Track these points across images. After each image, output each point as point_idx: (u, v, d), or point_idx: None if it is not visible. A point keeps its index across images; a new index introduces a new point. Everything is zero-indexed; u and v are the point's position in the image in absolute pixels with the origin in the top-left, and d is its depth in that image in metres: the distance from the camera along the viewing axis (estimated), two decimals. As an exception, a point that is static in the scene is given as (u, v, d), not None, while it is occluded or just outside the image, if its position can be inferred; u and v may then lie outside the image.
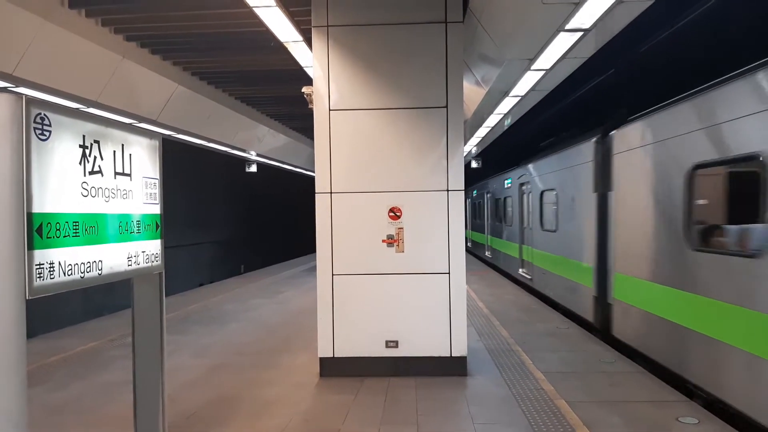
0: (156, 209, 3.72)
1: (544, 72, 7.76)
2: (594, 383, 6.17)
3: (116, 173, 3.27)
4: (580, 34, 6.07)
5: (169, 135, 12.72)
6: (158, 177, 3.74)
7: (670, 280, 6.40)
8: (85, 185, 2.99)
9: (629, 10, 5.52)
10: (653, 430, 4.88)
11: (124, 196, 3.35)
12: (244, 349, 7.96)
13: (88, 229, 3.00)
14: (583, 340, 8.24)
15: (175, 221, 19.78)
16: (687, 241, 5.97)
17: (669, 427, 4.91)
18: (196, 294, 14.10)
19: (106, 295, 15.66)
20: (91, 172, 3.04)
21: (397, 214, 6.47)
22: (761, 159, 4.73)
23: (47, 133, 2.74)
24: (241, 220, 28.65)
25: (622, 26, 6.12)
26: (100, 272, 3.10)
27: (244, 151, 16.93)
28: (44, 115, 2.72)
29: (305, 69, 8.49)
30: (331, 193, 6.51)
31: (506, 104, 10.25)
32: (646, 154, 7.11)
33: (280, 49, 7.72)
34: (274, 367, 7.01)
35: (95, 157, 3.08)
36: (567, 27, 5.84)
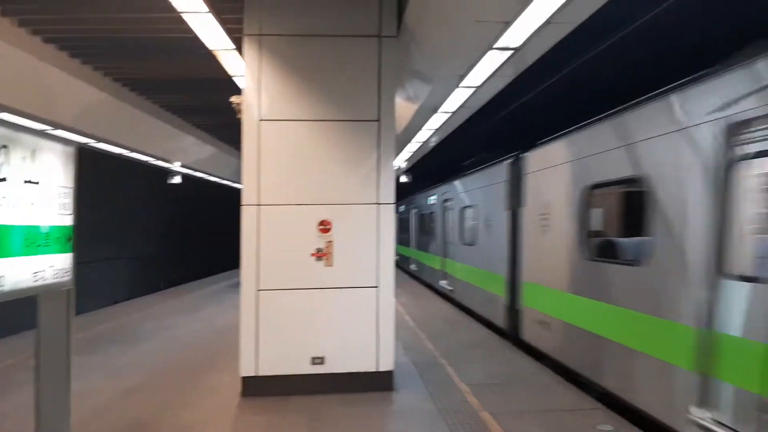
0: (68, 220, 3.46)
1: (473, 89, 7.93)
2: (517, 394, 6.30)
3: (25, 181, 3.02)
4: (510, 52, 6.25)
5: (86, 143, 12.06)
6: (72, 186, 3.49)
7: (569, 286, 7.24)
8: (-14, 192, 2.74)
9: (557, 31, 5.73)
10: (574, 441, 5.02)
11: (32, 206, 3.09)
12: (160, 370, 7.55)
13: (-12, 240, 2.75)
14: (505, 351, 8.41)
15: (90, 234, 18.73)
16: (582, 252, 6.79)
17: (589, 438, 5.06)
18: (110, 312, 13.31)
19: (6, 314, 14.51)
20: (-6, 179, 2.80)
21: (327, 227, 6.38)
22: (642, 181, 5.48)
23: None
24: (163, 233, 27.49)
25: (549, 47, 6.34)
26: (1, 288, 2.83)
27: (167, 161, 16.31)
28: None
29: (234, 78, 8.28)
30: (258, 205, 6.33)
31: (436, 120, 10.42)
32: (551, 174, 8.00)
33: (208, 56, 7.49)
34: (192, 389, 6.68)
35: (1, 164, 2.83)
36: (497, 45, 6.00)
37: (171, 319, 11.88)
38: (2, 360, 8.01)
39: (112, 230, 21.95)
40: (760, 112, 4.05)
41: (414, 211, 21.89)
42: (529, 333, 8.67)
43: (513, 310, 9.40)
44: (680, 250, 4.86)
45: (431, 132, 11.82)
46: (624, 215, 6.59)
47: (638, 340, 5.50)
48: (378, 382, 6.40)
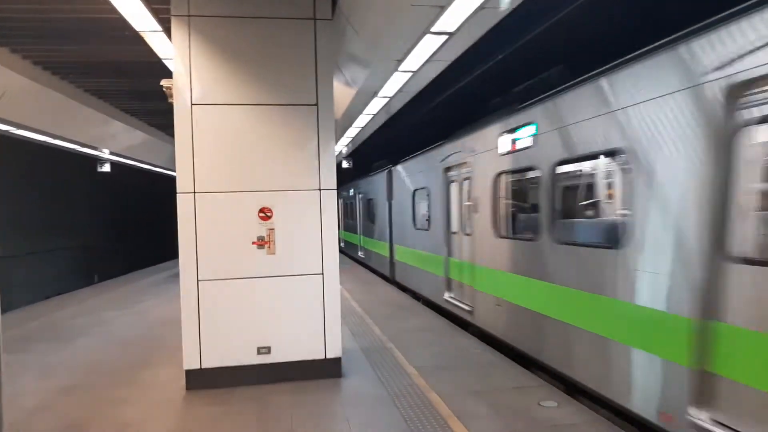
0: (-16, 213, 3.22)
1: (411, 74, 7.91)
2: (463, 375, 6.41)
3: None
4: (446, 37, 6.25)
5: (6, 130, 11.32)
6: (-13, 176, 3.24)
7: (413, 245, 12.48)
8: None
9: (494, 16, 5.77)
10: (518, 415, 5.15)
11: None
12: (97, 368, 7.25)
13: None
14: (452, 333, 8.55)
15: (17, 227, 17.70)
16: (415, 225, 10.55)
17: (532, 412, 5.21)
18: (41, 308, 12.65)
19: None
20: None
21: (268, 214, 6.24)
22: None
23: None
24: (96, 224, 26.30)
25: (484, 32, 6.40)
26: None
27: (95, 148, 15.56)
28: None
29: (164, 61, 7.93)
30: (194, 193, 6.12)
31: (375, 104, 10.35)
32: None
33: (137, 39, 7.13)
34: (132, 385, 6.45)
35: None
36: (433, 30, 5.99)
37: (107, 313, 11.42)
38: None
39: (43, 222, 20.84)
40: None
41: (341, 199, 26.54)
42: (398, 275, 14.38)
43: (392, 263, 15.14)
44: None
45: (371, 116, 11.75)
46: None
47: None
48: (326, 370, 6.37)
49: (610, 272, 5.11)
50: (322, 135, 6.38)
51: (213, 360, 6.17)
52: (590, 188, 5.78)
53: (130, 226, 30.05)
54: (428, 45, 6.55)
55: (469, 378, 6.30)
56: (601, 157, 5.44)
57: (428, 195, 11.48)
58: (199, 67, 6.14)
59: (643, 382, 4.65)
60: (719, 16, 3.97)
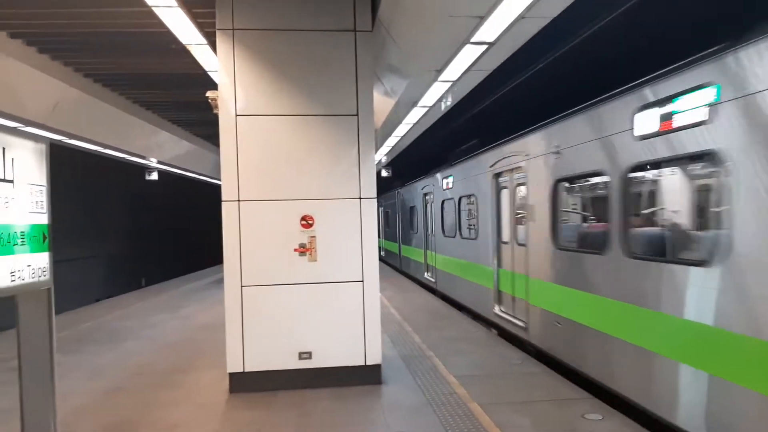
0: (43, 219, 3.38)
1: (451, 83, 7.93)
2: (504, 385, 6.35)
3: (-4, 179, 2.94)
4: (485, 47, 6.25)
5: (59, 140, 11.82)
6: (45, 184, 3.41)
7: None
8: (-42, 193, 2.66)
9: (534, 25, 5.75)
10: (560, 428, 5.07)
11: (6, 205, 3.02)
12: (143, 370, 7.47)
13: (-38, 241, 2.68)
14: (492, 343, 8.47)
15: (69, 233, 18.40)
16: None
17: (575, 425, 5.12)
18: (91, 311, 13.13)
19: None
20: (-34, 178, 2.72)
21: (309, 222, 6.34)
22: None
23: None
24: (143, 230, 27.14)
25: (524, 41, 6.36)
26: (-23, 290, 2.76)
27: (143, 158, 16.07)
28: None
29: (209, 73, 8.17)
30: (239, 201, 6.27)
31: (415, 114, 10.41)
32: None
33: (183, 51, 7.38)
34: (177, 387, 6.62)
35: (-30, 162, 2.76)
36: (473, 40, 6.00)
37: (153, 317, 11.75)
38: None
39: (93, 228, 21.65)
40: None
41: (381, 207, 26.61)
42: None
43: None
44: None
45: (410, 126, 11.81)
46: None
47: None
48: (366, 376, 6.40)
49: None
50: (362, 144, 6.45)
51: (255, 364, 6.28)
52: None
53: (176, 232, 30.85)
54: (468, 55, 6.57)
55: (510, 388, 6.23)
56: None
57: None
58: (243, 79, 6.30)
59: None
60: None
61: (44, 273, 3.38)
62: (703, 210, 4.84)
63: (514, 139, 8.77)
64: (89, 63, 9.61)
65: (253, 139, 6.31)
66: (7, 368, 7.38)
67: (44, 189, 3.41)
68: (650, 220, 5.58)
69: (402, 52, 7.25)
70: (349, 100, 6.43)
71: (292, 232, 6.33)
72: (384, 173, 20.99)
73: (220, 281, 6.37)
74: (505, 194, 9.42)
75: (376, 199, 6.53)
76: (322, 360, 6.35)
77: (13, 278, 3.04)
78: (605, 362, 5.96)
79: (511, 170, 8.87)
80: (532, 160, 7.92)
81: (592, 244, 6.41)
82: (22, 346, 3.32)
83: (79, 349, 8.74)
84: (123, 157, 15.54)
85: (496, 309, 9.66)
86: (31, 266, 3.23)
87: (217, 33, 6.30)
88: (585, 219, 7.15)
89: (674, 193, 5.23)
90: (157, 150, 15.84)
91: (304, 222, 6.34)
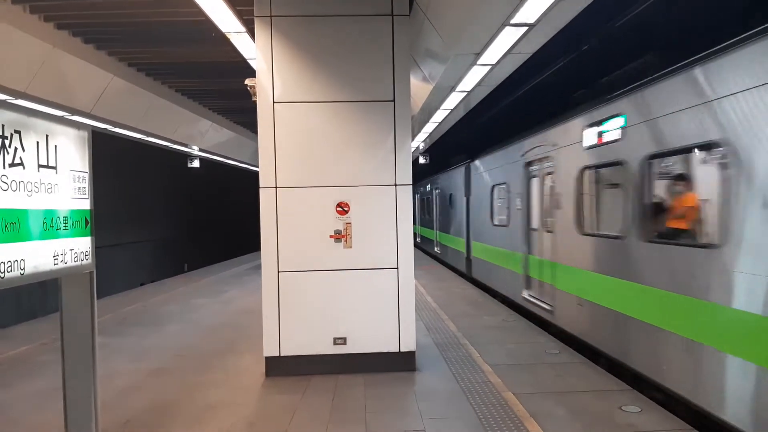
0: (85, 204, 3.48)
1: (490, 67, 7.79)
2: (540, 375, 6.26)
3: (40, 166, 3.03)
4: (525, 29, 6.11)
5: (105, 128, 12.15)
6: (88, 170, 3.50)
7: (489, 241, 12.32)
8: (4, 178, 2.75)
9: (574, 5, 5.58)
10: (598, 420, 4.97)
11: (49, 190, 3.11)
12: (184, 352, 7.67)
13: (8, 225, 2.77)
14: (528, 332, 8.37)
15: (113, 218, 18.98)
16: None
17: (613, 417, 5.02)
18: (135, 294, 13.55)
19: (39, 297, 14.86)
20: (11, 164, 2.81)
21: (345, 209, 6.36)
22: None
23: (-41, 122, 2.50)
24: (185, 216, 27.80)
25: (566, 22, 6.19)
26: (22, 272, 2.86)
27: (185, 145, 16.40)
28: (-45, 101, 2.48)
29: (249, 61, 8.24)
30: (276, 187, 6.33)
31: (453, 99, 10.28)
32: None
33: (223, 40, 7.44)
34: (217, 370, 6.78)
35: (16, 149, 2.84)
36: (512, 21, 5.86)
37: (194, 301, 12.05)
38: (34, 341, 8.20)
39: (137, 214, 22.27)
40: None
41: (417, 194, 26.48)
42: (475, 272, 14.15)
43: (468, 259, 15.04)
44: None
45: (448, 111, 11.68)
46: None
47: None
48: (400, 363, 6.42)
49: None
50: (398, 131, 6.41)
51: (291, 348, 6.37)
52: None
53: (216, 219, 31.50)
54: (507, 37, 6.43)
55: (546, 378, 6.14)
56: None
57: (508, 190, 11.23)
58: (280, 66, 6.33)
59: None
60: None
61: (86, 257, 3.48)
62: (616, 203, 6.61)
63: (540, 131, 9.27)
64: (133, 52, 9.82)
65: (290, 125, 6.35)
66: (54, 348, 7.70)
67: (86, 175, 3.51)
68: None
69: (440, 36, 7.15)
70: (386, 85, 6.39)
71: (328, 219, 6.36)
72: (421, 160, 20.87)
73: (259, 267, 6.47)
74: (534, 183, 9.81)
75: (411, 186, 6.49)
76: (357, 346, 6.39)
77: (56, 261, 3.14)
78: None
79: (540, 160, 9.29)
80: (561, 149, 8.39)
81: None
82: (65, 328, 3.44)
83: (124, 331, 9.02)
84: (166, 145, 15.89)
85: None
86: (73, 250, 3.33)
87: (256, 20, 6.34)
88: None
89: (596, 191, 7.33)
90: (199, 138, 16.13)
91: (339, 208, 6.36)
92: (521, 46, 6.75)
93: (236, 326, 9.28)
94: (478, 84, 8.93)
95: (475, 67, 7.82)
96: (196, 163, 19.27)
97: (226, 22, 6.65)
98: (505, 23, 5.94)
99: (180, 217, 27.26)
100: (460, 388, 5.84)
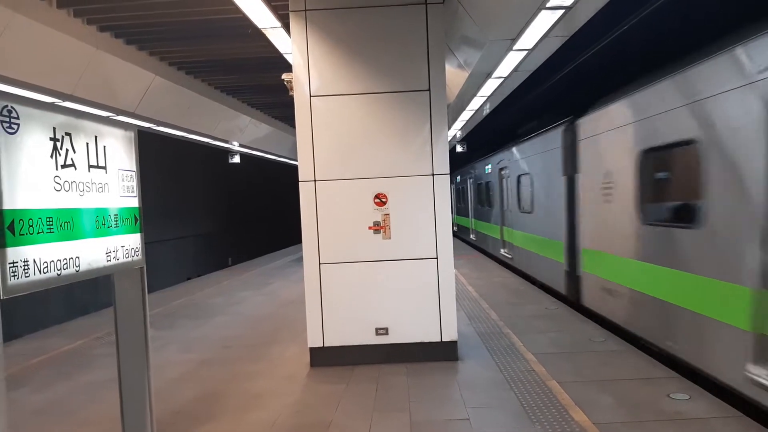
0: (134, 202, 3.61)
1: (526, 52, 7.68)
2: (584, 363, 6.18)
3: (90, 166, 3.16)
4: (562, 11, 6.00)
5: (149, 127, 12.49)
6: (135, 169, 3.63)
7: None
8: (57, 179, 2.88)
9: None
10: (644, 407, 4.89)
11: (100, 190, 3.24)
12: (232, 343, 7.88)
13: (62, 224, 2.91)
14: (571, 320, 8.26)
15: (158, 215, 19.52)
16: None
17: (661, 404, 4.92)
18: (183, 288, 13.96)
19: (91, 293, 15.45)
20: (64, 166, 2.94)
21: (383, 200, 6.39)
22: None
23: (15, 126, 2.63)
24: (227, 212, 28.37)
25: (603, 4, 6.04)
26: (77, 269, 3.00)
27: (226, 141, 16.71)
28: (11, 107, 2.61)
29: (285, 56, 8.34)
30: (315, 181, 6.41)
31: (489, 86, 10.17)
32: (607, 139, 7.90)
33: (259, 35, 7.56)
34: (263, 360, 6.94)
35: (67, 150, 2.97)
36: (548, 5, 5.76)
37: (240, 293, 12.33)
38: (88, 335, 8.56)
39: (182, 210, 22.83)
40: None
41: (470, 180, 21.66)
42: (590, 299, 8.71)
43: (574, 276, 9.43)
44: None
45: (484, 99, 11.55)
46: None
47: (702, 304, 5.44)
48: (442, 352, 6.44)
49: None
50: (434, 120, 6.40)
51: (334, 339, 6.46)
52: None
53: (258, 212, 32.03)
54: (544, 21, 6.33)
55: (591, 367, 6.06)
56: None
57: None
58: (316, 60, 6.39)
59: None
60: None
61: (137, 253, 3.62)
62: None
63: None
64: (173, 51, 10.05)
65: (326, 119, 6.41)
66: (107, 342, 8.02)
67: (134, 174, 3.64)
68: None
69: (475, 23, 7.08)
70: (421, 75, 6.38)
71: (367, 210, 6.41)
72: (459, 148, 20.72)
73: (302, 259, 6.58)
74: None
75: (448, 175, 6.48)
76: (399, 336, 6.44)
77: (108, 258, 3.28)
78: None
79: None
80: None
81: None
82: (119, 321, 3.60)
83: (173, 324, 9.32)
84: (207, 142, 16.23)
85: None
86: (124, 247, 3.47)
87: (290, 15, 6.40)
88: None
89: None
90: (239, 134, 16.41)
91: (377, 200, 6.40)
92: (559, 29, 6.63)
93: (280, 317, 9.46)
94: (515, 69, 8.82)
95: (511, 53, 7.72)
96: (236, 159, 19.62)
97: (262, 17, 6.75)
98: (541, 7, 5.84)
99: (223, 212, 27.83)
100: (503, 377, 5.83)
